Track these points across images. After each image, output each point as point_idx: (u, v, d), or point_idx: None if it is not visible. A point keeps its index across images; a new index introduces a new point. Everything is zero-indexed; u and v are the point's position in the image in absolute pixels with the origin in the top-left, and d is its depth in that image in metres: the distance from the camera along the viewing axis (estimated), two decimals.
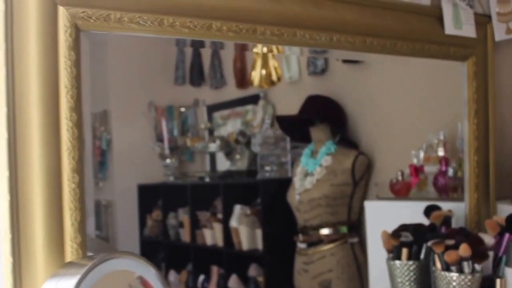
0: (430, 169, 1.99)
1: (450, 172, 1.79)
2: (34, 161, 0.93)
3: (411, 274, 1.46)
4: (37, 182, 0.93)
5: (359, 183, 2.48)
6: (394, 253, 1.48)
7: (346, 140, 2.59)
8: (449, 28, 1.47)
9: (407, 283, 1.47)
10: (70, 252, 0.95)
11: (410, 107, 2.35)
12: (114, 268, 0.87)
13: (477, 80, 1.52)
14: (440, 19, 1.47)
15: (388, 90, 2.46)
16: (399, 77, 2.38)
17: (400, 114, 2.40)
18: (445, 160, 1.86)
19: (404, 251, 1.47)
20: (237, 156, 3.41)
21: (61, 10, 0.96)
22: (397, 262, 1.47)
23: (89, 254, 0.96)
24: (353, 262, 2.44)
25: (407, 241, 1.46)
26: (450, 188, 1.80)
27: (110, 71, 3.91)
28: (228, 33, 1.12)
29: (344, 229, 2.47)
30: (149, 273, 0.89)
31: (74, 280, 0.82)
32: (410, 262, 1.46)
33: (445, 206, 1.64)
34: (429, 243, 1.38)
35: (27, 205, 0.93)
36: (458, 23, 1.50)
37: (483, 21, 1.56)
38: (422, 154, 1.96)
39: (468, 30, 1.51)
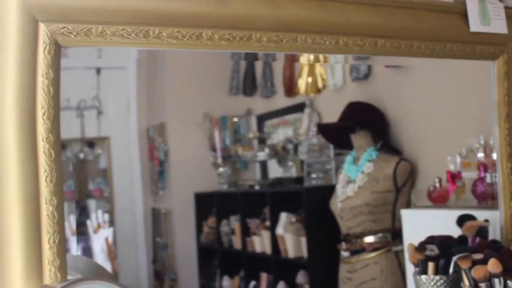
0: (471, 175, 1.81)
1: (488, 178, 1.61)
2: (11, 184, 0.87)
3: None
4: (14, 205, 0.87)
5: (401, 190, 2.31)
6: (420, 267, 1.33)
7: (388, 146, 2.43)
8: (475, 25, 1.30)
9: None
10: (49, 275, 0.88)
11: (453, 111, 2.17)
12: None
13: (508, 81, 1.34)
14: (464, 16, 1.30)
15: (431, 94, 2.28)
16: (442, 80, 2.20)
17: (444, 118, 2.22)
18: (483, 166, 1.68)
19: (431, 265, 1.32)
20: (289, 163, 3.31)
21: (42, 26, 0.90)
22: (423, 277, 1.32)
23: (70, 277, 0.90)
24: (397, 270, 2.27)
25: (432, 254, 1.31)
26: (488, 196, 1.61)
27: (168, 85, 3.93)
28: (221, 42, 1.03)
29: (387, 237, 2.31)
30: None
31: None
32: (437, 277, 1.31)
33: (483, 215, 1.47)
34: (455, 258, 1.22)
35: (4, 229, 0.87)
36: (485, 19, 1.33)
37: None
38: (459, 160, 1.78)
39: (498, 26, 1.33)
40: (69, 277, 0.88)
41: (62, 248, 0.88)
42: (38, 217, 0.88)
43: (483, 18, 1.32)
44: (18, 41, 0.88)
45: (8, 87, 0.87)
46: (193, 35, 1.00)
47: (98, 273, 0.94)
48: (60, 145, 0.90)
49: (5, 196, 0.86)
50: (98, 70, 4.05)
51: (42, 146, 0.88)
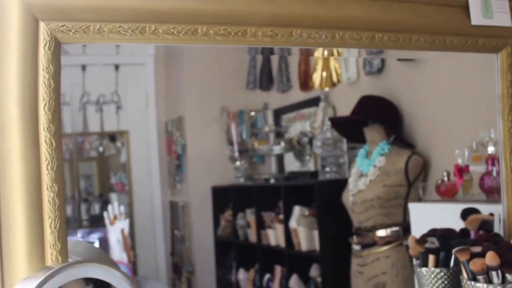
0: (480, 169, 1.80)
1: (494, 172, 1.60)
2: (15, 172, 0.91)
3: (439, 282, 1.31)
4: (17, 192, 0.91)
5: (414, 184, 2.31)
6: (421, 260, 1.34)
7: (401, 140, 2.43)
8: (477, 18, 1.30)
9: None
10: (50, 258, 0.92)
11: (466, 104, 2.15)
12: (80, 275, 0.84)
13: None
14: (466, 9, 1.30)
15: (444, 87, 2.27)
16: (456, 73, 2.19)
17: (457, 111, 2.21)
18: (491, 160, 1.67)
19: (431, 258, 1.32)
20: (307, 158, 3.33)
21: (42, 25, 0.94)
22: (424, 269, 1.33)
23: (70, 260, 0.94)
24: (408, 265, 2.28)
25: (432, 247, 1.31)
26: (495, 190, 1.61)
27: (186, 79, 3.98)
28: (216, 37, 1.05)
29: (399, 231, 2.31)
30: (114, 276, 0.85)
31: (35, 283, 0.80)
32: (438, 270, 1.31)
33: (489, 209, 1.47)
34: (453, 250, 1.23)
35: (8, 214, 0.91)
36: (488, 12, 1.32)
37: None
38: (467, 153, 1.77)
39: (501, 19, 1.32)
40: (70, 260, 0.92)
41: (62, 233, 0.92)
42: (40, 203, 0.92)
43: (485, 11, 1.31)
44: (19, 39, 0.92)
45: (11, 81, 0.92)
46: (188, 31, 1.03)
47: (99, 258, 0.98)
48: (61, 135, 0.94)
49: (9, 183, 0.91)
50: (117, 67, 4.12)
51: (44, 135, 0.92)
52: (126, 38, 1.00)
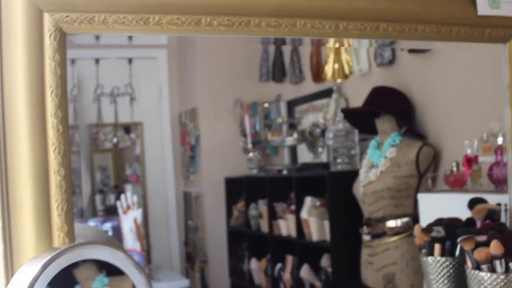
0: (490, 159, 1.79)
1: (503, 162, 1.60)
2: (23, 155, 0.94)
3: (444, 271, 1.32)
4: (25, 175, 0.94)
5: (424, 175, 2.30)
6: (427, 249, 1.35)
7: (413, 131, 2.42)
8: (483, 9, 1.29)
9: (440, 280, 1.32)
10: (57, 240, 0.95)
11: (477, 95, 2.14)
12: (85, 256, 0.86)
13: None
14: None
15: (455, 78, 2.26)
16: (467, 64, 2.18)
17: (468, 102, 2.19)
18: (500, 150, 1.66)
19: (437, 247, 1.33)
20: (320, 149, 3.33)
21: (46, 16, 0.96)
22: (430, 258, 1.33)
23: (77, 242, 0.96)
24: (418, 256, 2.27)
25: (438, 236, 1.32)
26: (503, 180, 1.60)
27: (199, 71, 4.00)
28: (219, 27, 1.06)
29: (409, 222, 2.31)
30: (118, 257, 0.87)
31: (41, 263, 0.83)
32: (443, 259, 1.31)
33: (497, 199, 1.46)
34: (458, 239, 1.23)
35: (17, 196, 0.94)
36: (494, 2, 1.31)
37: None
38: (476, 144, 1.77)
39: (508, 9, 1.31)
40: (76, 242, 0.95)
41: (69, 215, 0.95)
42: (48, 186, 0.95)
43: (492, 2, 1.31)
44: (25, 29, 0.95)
45: (18, 69, 0.94)
46: (192, 22, 1.04)
47: (105, 241, 1.00)
48: (67, 121, 0.96)
49: (17, 167, 0.94)
50: (130, 60, 4.16)
51: (51, 121, 0.95)
52: (131, 28, 1.01)
